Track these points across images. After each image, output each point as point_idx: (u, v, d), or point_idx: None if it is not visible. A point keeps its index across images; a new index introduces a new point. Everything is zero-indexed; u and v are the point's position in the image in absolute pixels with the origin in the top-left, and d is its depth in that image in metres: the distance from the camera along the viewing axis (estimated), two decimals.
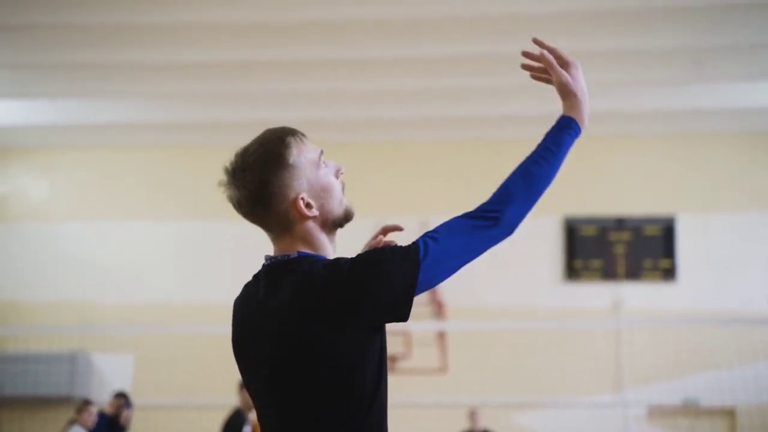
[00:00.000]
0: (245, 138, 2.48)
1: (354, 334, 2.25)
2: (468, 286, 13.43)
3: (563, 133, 2.48)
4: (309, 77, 11.42)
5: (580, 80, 2.56)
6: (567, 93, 2.54)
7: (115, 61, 10.89)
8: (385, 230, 2.73)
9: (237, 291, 2.51)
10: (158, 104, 12.89)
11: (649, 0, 9.32)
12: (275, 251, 2.42)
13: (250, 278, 2.48)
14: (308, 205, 2.36)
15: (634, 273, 13.64)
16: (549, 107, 13.04)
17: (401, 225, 2.73)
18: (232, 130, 12.29)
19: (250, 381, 2.43)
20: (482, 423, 11.86)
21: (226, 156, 2.44)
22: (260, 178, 2.33)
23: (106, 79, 11.59)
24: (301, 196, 2.35)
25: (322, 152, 2.45)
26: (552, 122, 2.53)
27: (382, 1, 9.59)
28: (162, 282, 13.84)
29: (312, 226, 2.38)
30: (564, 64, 2.56)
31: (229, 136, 13.97)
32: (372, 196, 12.96)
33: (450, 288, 13.33)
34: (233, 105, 12.70)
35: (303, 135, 2.43)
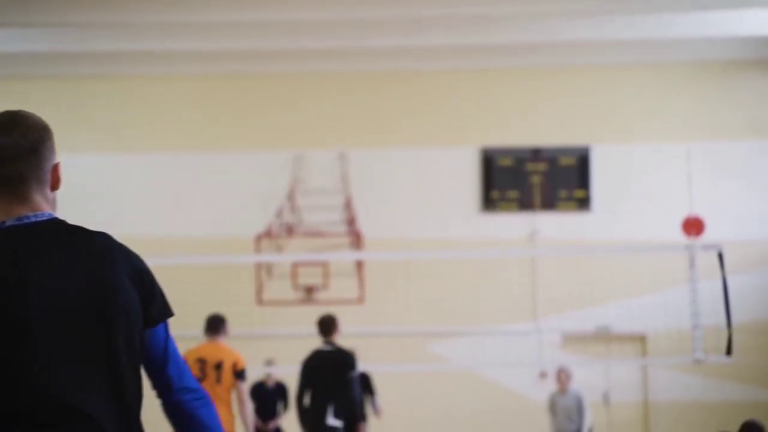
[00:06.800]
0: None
1: None
2: (386, 218, 13.47)
3: None
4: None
5: None
6: None
7: None
8: None
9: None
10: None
11: None
12: (25, 207, 2.48)
13: None
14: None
15: (549, 203, 13.81)
16: (472, 39, 12.85)
17: None
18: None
19: None
20: (400, 352, 11.96)
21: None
22: (41, 136, 2.49)
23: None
24: (58, 162, 2.54)
25: None
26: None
27: None
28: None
29: (54, 198, 2.55)
30: None
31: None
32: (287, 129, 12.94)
33: (368, 219, 13.36)
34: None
35: None
